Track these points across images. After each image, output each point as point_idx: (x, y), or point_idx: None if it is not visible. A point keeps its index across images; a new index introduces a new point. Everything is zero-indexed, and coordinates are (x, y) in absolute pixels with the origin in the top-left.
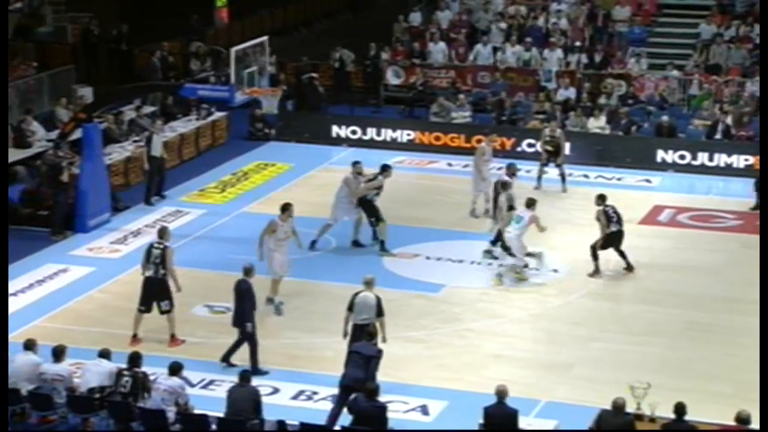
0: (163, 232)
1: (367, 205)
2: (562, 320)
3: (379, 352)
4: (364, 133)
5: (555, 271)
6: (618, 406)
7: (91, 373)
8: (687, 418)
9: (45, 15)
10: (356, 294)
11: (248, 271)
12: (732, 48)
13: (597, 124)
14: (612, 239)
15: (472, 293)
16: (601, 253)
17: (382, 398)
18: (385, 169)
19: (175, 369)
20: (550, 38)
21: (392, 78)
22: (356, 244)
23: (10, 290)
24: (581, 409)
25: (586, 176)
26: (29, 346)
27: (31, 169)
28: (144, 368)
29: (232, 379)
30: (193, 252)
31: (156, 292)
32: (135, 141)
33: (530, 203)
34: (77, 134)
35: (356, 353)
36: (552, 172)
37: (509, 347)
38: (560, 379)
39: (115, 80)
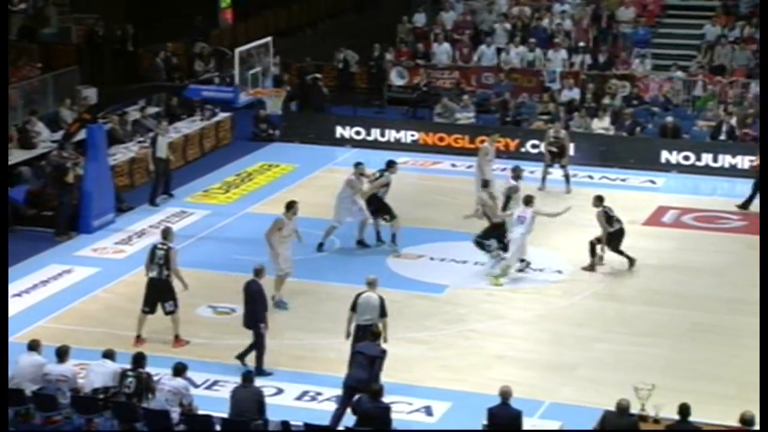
0: (166, 233)
1: (378, 203)
2: (566, 321)
3: (383, 352)
4: (368, 134)
5: (559, 272)
6: (622, 407)
7: (95, 374)
8: (691, 419)
9: (49, 16)
10: (359, 294)
11: (259, 272)
12: (736, 49)
13: (601, 124)
14: (616, 237)
15: (476, 294)
16: (607, 254)
17: (386, 399)
18: (391, 165)
19: (180, 370)
20: (555, 39)
21: (396, 79)
22: (361, 243)
23: (15, 291)
24: (585, 410)
25: (590, 177)
26: (33, 346)
27: (36, 170)
28: (148, 369)
29: (236, 379)
30: (197, 253)
31: (160, 293)
32: (139, 142)
33: (528, 200)
34: (82, 135)
35: (360, 354)
36: (556, 173)
37: (513, 348)
38: (564, 380)
39: (120, 81)
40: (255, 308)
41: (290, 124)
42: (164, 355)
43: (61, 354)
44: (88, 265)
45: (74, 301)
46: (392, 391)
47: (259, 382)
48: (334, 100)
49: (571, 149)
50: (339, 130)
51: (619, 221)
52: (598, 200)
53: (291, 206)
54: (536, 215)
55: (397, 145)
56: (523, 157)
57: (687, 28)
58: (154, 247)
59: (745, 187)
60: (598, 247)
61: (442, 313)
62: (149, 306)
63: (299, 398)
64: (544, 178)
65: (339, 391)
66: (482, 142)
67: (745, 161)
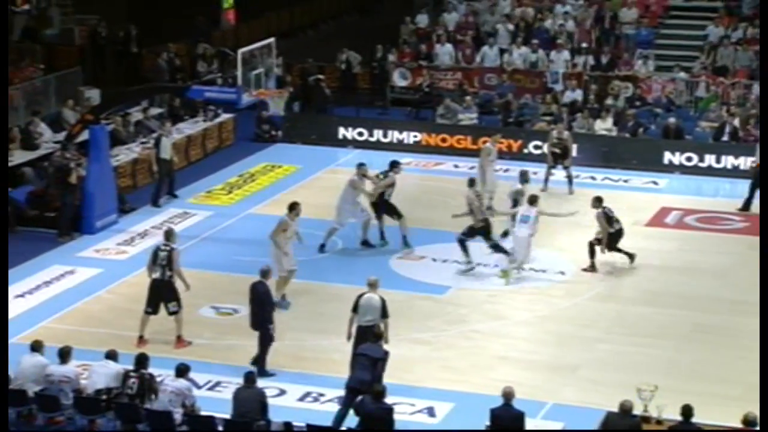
0: (169, 234)
1: (385, 204)
2: (569, 322)
3: (386, 353)
4: (371, 135)
5: (562, 273)
6: (625, 409)
7: (97, 375)
8: (694, 420)
9: (52, 17)
10: (361, 295)
11: (265, 273)
12: (739, 50)
13: (604, 125)
14: (615, 238)
15: (478, 295)
16: (607, 254)
17: (389, 400)
18: (395, 165)
19: (182, 370)
20: (557, 40)
21: (399, 80)
22: (365, 244)
23: (17, 292)
24: (588, 411)
25: (593, 178)
26: (36, 347)
27: (39, 171)
28: (151, 370)
29: (239, 380)
30: (199, 253)
31: (163, 294)
32: (142, 143)
33: (533, 200)
34: (84, 136)
35: (363, 355)
36: (559, 174)
37: (516, 349)
38: (567, 381)
39: (123, 82)
40: (262, 309)
41: (293, 125)
42: (167, 356)
43: (64, 355)
44: (91, 265)
45: (77, 302)
46: (395, 392)
47: (261, 383)
48: (336, 101)
49: (574, 150)
50: (341, 131)
51: (618, 222)
52: (597, 201)
53: (294, 207)
54: (540, 215)
55: (400, 146)
56: (526, 159)
57: (690, 29)
58: (157, 249)
59: (747, 188)
60: (598, 248)
61: (445, 314)
62: (152, 307)
63: (302, 399)
64: (546, 180)
65: (342, 392)
66: (485, 143)
67: (747, 162)
